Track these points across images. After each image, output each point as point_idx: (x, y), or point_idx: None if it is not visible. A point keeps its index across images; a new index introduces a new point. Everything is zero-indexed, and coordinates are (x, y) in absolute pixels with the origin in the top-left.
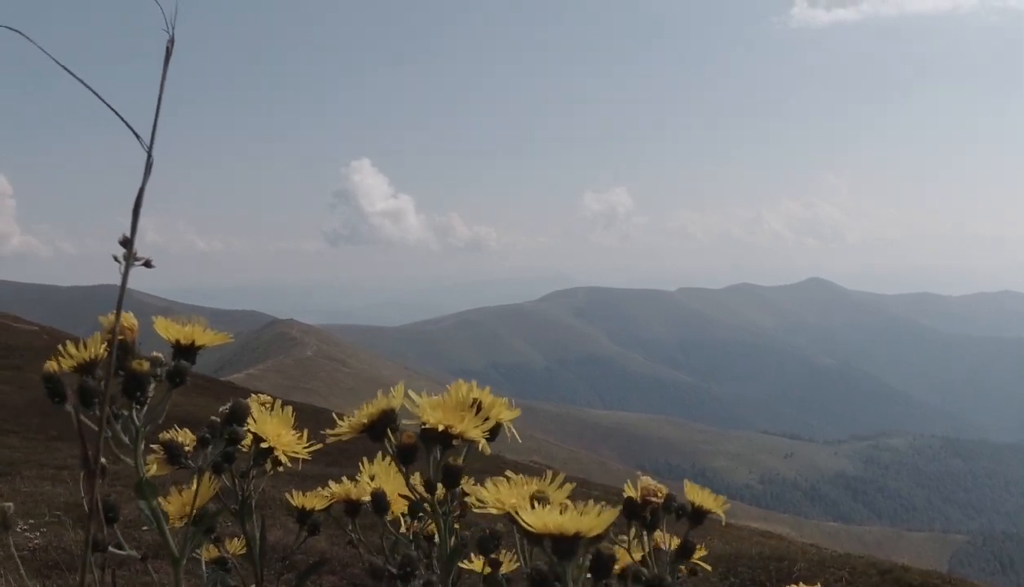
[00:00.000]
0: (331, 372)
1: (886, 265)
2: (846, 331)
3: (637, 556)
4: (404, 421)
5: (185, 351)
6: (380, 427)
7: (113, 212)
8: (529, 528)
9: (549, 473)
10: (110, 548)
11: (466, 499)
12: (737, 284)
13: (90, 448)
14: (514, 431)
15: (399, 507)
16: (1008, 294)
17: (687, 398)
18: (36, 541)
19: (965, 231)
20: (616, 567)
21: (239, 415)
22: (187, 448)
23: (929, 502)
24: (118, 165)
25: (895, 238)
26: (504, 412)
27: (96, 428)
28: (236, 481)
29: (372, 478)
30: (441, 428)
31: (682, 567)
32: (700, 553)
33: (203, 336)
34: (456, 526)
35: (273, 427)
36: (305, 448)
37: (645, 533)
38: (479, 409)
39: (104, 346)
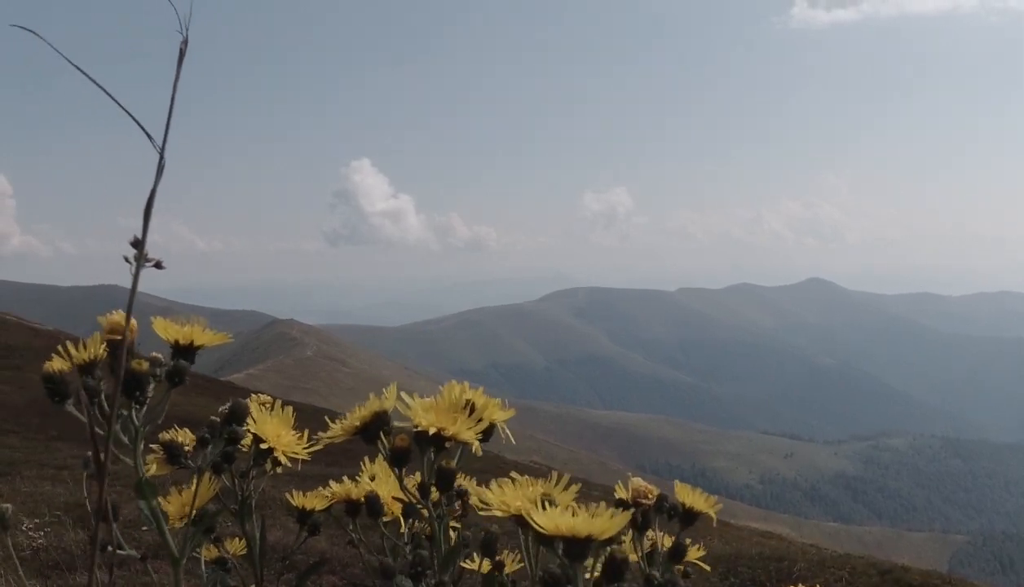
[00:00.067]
0: (331, 372)
1: (886, 265)
2: (846, 331)
3: (632, 558)
4: (398, 423)
5: (184, 351)
6: (373, 429)
7: (113, 212)
8: (541, 530)
9: (555, 474)
10: (109, 548)
11: (470, 501)
12: (737, 284)
13: (99, 447)
14: (508, 432)
15: (397, 508)
16: (1008, 294)
17: (687, 398)
18: (36, 541)
19: (965, 231)
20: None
21: (238, 415)
22: (187, 448)
23: (929, 502)
24: (118, 165)
25: (895, 238)
26: (497, 413)
27: (98, 429)
28: (236, 481)
29: (373, 478)
30: (433, 431)
31: (681, 567)
32: (699, 553)
33: (202, 336)
34: (458, 526)
35: (273, 427)
36: (305, 448)
37: (638, 534)
38: (472, 410)
39: (104, 346)
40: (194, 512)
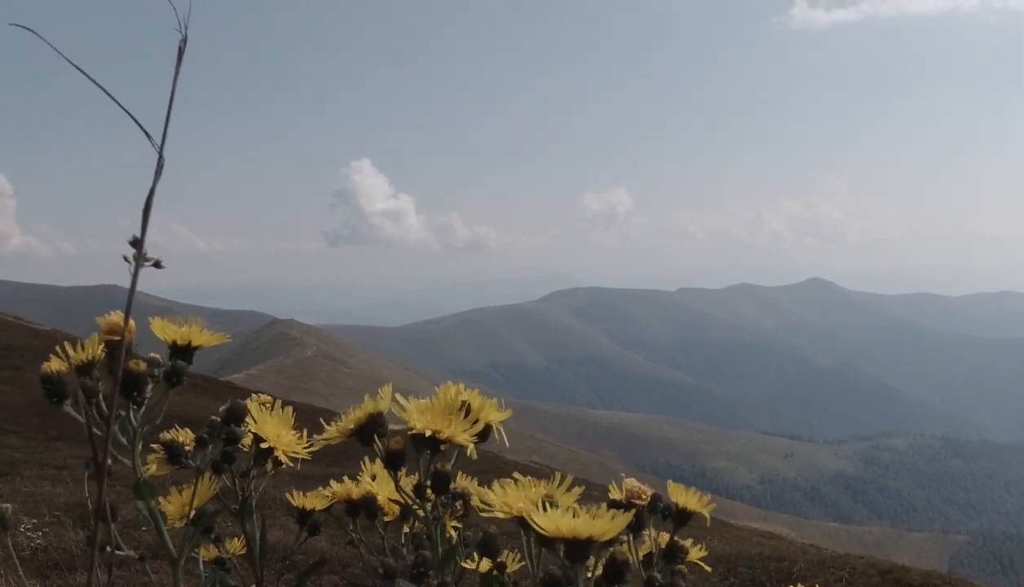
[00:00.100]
0: (331, 372)
1: (886, 265)
2: (846, 331)
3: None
4: (393, 426)
5: (182, 352)
6: (368, 432)
7: (113, 212)
8: (542, 531)
9: (557, 475)
10: (107, 548)
11: (472, 502)
12: (737, 284)
13: (97, 449)
14: (503, 433)
15: (396, 509)
16: (1008, 294)
17: (687, 398)
18: (36, 541)
19: (965, 231)
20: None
21: (237, 415)
22: (188, 448)
23: (929, 502)
24: (118, 165)
25: (895, 238)
26: (493, 414)
27: (97, 430)
28: (236, 481)
29: (374, 478)
30: (429, 433)
31: (684, 567)
32: (700, 554)
33: (200, 337)
34: (459, 526)
35: (273, 427)
36: (305, 448)
37: (631, 535)
38: (468, 412)
39: (102, 347)
40: (193, 512)
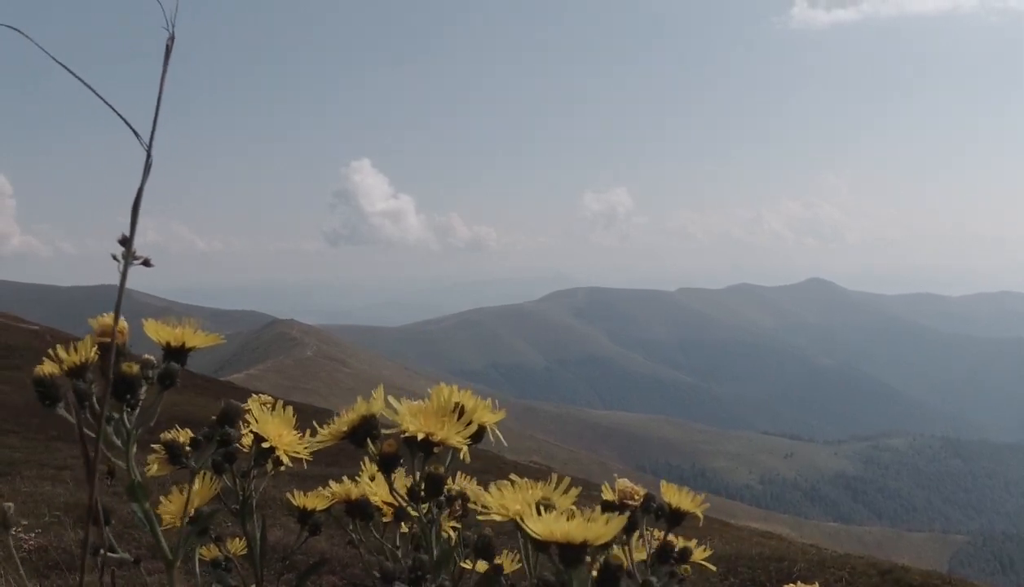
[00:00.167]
0: (331, 372)
1: (886, 265)
2: (846, 331)
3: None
4: (387, 430)
5: (176, 353)
6: (361, 434)
7: (113, 212)
8: (536, 536)
9: (554, 477)
10: (101, 551)
11: (469, 504)
12: (737, 284)
13: (89, 450)
14: (499, 434)
15: (391, 511)
16: (1008, 294)
17: (687, 398)
18: (36, 541)
19: (965, 231)
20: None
21: (231, 417)
22: (187, 448)
23: (929, 502)
24: (118, 165)
25: (895, 238)
26: (487, 415)
27: (89, 432)
28: (237, 481)
29: (373, 478)
30: (421, 436)
31: (687, 567)
32: (703, 554)
33: (194, 338)
34: (458, 526)
35: (274, 427)
36: (306, 448)
37: (625, 536)
38: (462, 413)
39: (95, 349)
40: (191, 513)
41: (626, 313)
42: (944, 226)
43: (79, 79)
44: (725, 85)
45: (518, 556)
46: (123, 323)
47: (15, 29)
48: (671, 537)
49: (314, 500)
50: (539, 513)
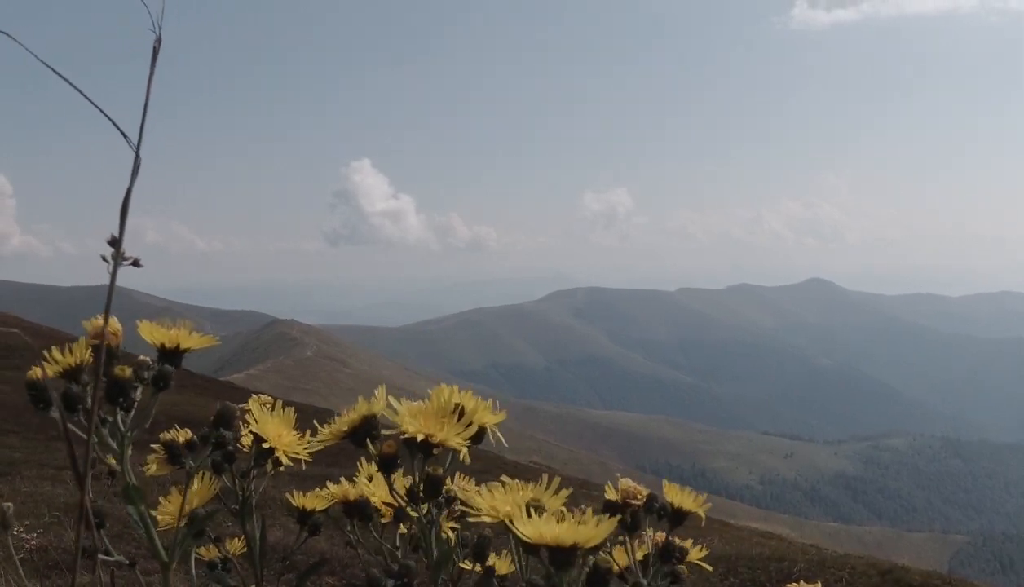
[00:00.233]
0: (331, 372)
1: (886, 265)
2: (846, 331)
3: (622, 560)
4: (386, 431)
5: (170, 355)
6: (361, 434)
7: (113, 212)
8: (525, 539)
9: (544, 478)
10: (96, 554)
11: (458, 507)
12: (737, 284)
13: (78, 452)
14: (499, 435)
15: (391, 512)
16: (1008, 294)
17: (687, 398)
18: (36, 541)
19: (965, 231)
20: (615, 569)
21: (226, 419)
22: (184, 449)
23: (929, 502)
24: (119, 165)
25: (895, 238)
26: (488, 416)
27: (81, 434)
28: (236, 481)
29: (370, 479)
30: (421, 437)
31: (684, 567)
32: (700, 554)
33: (188, 339)
34: (457, 527)
35: (274, 428)
36: (305, 449)
37: (627, 535)
38: (462, 414)
39: (89, 351)
40: (187, 514)
41: (626, 313)
42: (944, 226)
43: (68, 82)
44: (725, 85)
45: (525, 560)
46: (118, 325)
47: (5, 34)
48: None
49: (313, 500)
50: (529, 515)
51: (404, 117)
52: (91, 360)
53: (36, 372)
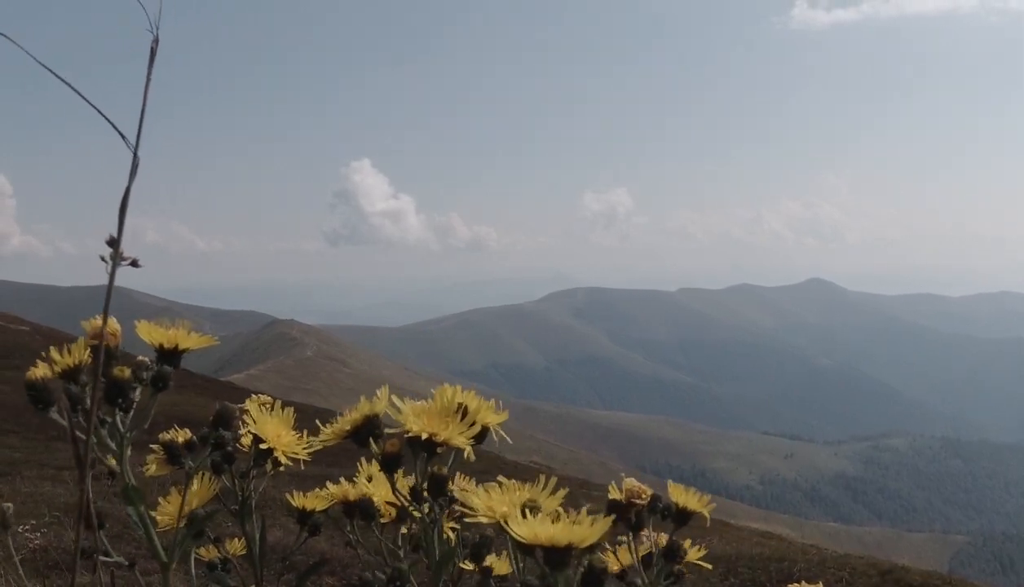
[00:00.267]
0: (331, 372)
1: (886, 265)
2: (846, 331)
3: (625, 559)
4: (389, 430)
5: (169, 355)
6: (364, 434)
7: (113, 212)
8: (520, 539)
9: (541, 478)
10: (95, 555)
11: (455, 507)
12: (737, 284)
13: (81, 452)
14: (502, 434)
15: (393, 511)
16: (1008, 294)
17: (687, 398)
18: (36, 541)
19: (965, 231)
20: (615, 569)
21: (225, 420)
22: (184, 449)
23: (929, 503)
24: (119, 165)
25: (895, 238)
26: (491, 416)
27: (82, 435)
28: (236, 481)
29: (370, 479)
30: (425, 436)
31: (681, 567)
32: (699, 554)
33: (187, 340)
34: (457, 527)
35: (273, 428)
36: (305, 449)
37: (631, 535)
38: (465, 414)
39: (88, 351)
40: (186, 515)
41: (626, 313)
42: (944, 226)
43: (66, 83)
44: (725, 85)
45: (523, 561)
46: (116, 325)
47: (4, 36)
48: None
49: (313, 501)
50: (524, 515)
51: (404, 117)
52: (90, 360)
53: (35, 372)
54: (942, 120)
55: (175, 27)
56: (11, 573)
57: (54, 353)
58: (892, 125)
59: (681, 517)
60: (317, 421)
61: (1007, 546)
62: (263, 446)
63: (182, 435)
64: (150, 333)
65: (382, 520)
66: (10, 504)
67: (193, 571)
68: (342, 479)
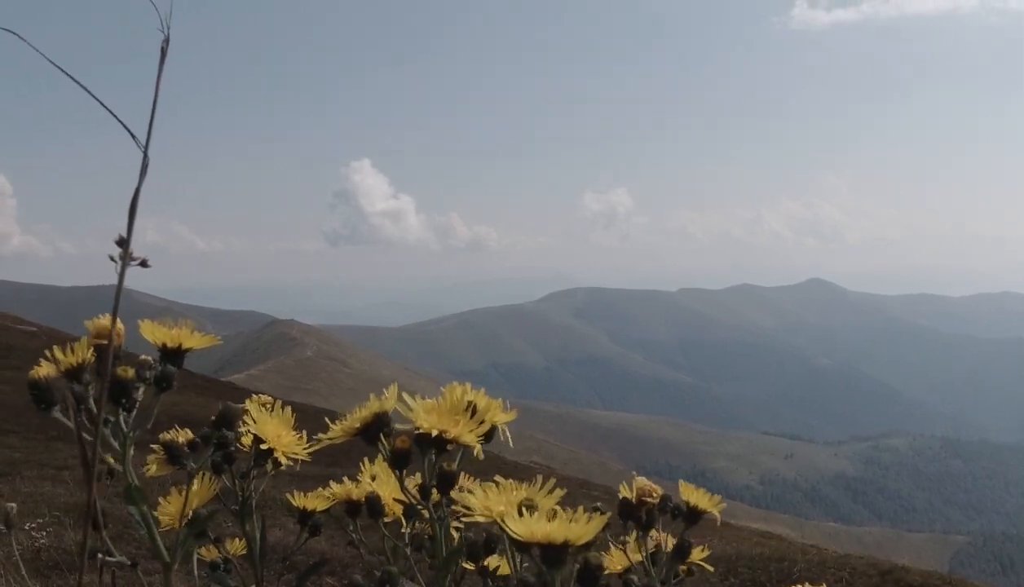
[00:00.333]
0: (332, 373)
1: (886, 265)
2: (846, 331)
3: (636, 558)
4: (398, 425)
5: (172, 355)
6: (373, 431)
7: (113, 212)
8: (517, 537)
9: (539, 478)
10: (99, 555)
11: (453, 506)
12: (737, 284)
13: (87, 452)
14: (508, 434)
15: (398, 509)
16: (1008, 295)
17: (687, 398)
18: (36, 542)
19: (965, 231)
20: (618, 568)
21: (228, 419)
22: (187, 448)
23: (929, 503)
24: (118, 165)
25: (895, 238)
26: (499, 415)
27: (86, 435)
28: (236, 481)
29: (374, 478)
30: (435, 433)
31: (684, 567)
32: (703, 554)
33: (190, 339)
34: (460, 527)
35: (273, 428)
36: (305, 449)
37: (641, 534)
38: (474, 412)
39: (91, 351)
40: (189, 515)
41: (626, 313)
42: (944, 226)
43: (76, 82)
44: (725, 85)
45: (520, 559)
46: (119, 325)
47: (13, 33)
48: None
49: (314, 501)
50: (521, 514)
51: (404, 117)
52: (93, 360)
53: (39, 371)
54: (942, 120)
55: (175, 27)
56: (12, 573)
57: (57, 352)
58: (892, 125)
59: (692, 516)
60: (327, 419)
61: (1007, 546)
62: (263, 446)
63: (183, 435)
64: (153, 332)
65: (386, 519)
66: (13, 504)
67: (196, 571)
68: (345, 478)
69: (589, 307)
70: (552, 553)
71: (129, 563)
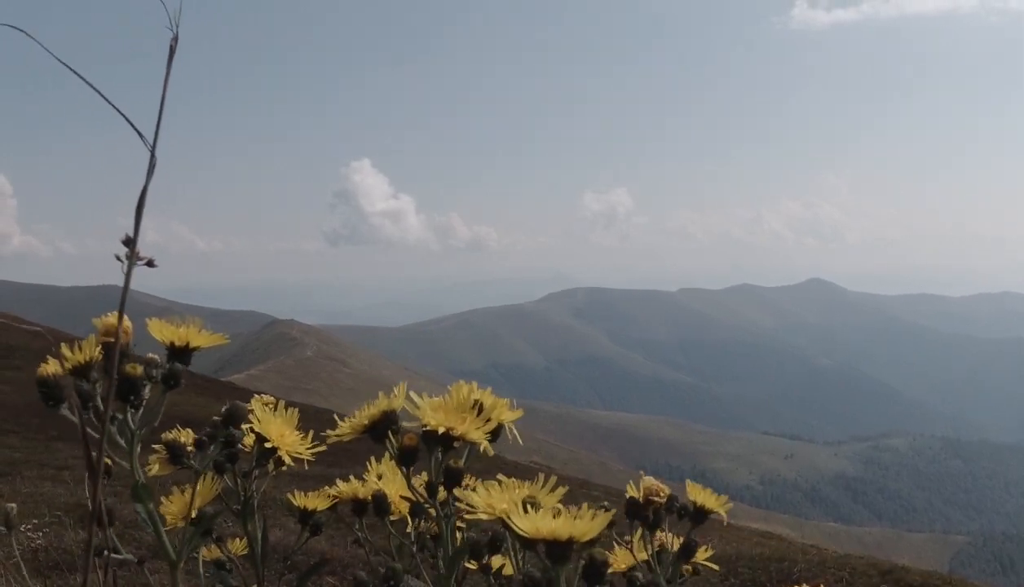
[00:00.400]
0: (332, 373)
1: (886, 265)
2: (846, 331)
3: (642, 557)
4: (404, 423)
5: (179, 353)
6: (381, 428)
7: (114, 212)
8: (522, 533)
9: (541, 476)
10: (105, 552)
11: (456, 504)
12: (737, 284)
13: (92, 450)
14: (515, 432)
15: (404, 507)
16: (1008, 295)
17: (687, 398)
18: (37, 541)
19: (965, 231)
20: (623, 566)
21: (235, 418)
22: (188, 449)
23: (929, 503)
24: (119, 165)
25: (895, 238)
26: (506, 413)
27: (93, 432)
28: (239, 481)
29: (379, 477)
30: (442, 430)
31: (688, 567)
32: (706, 553)
33: (198, 338)
34: (463, 526)
35: (277, 427)
36: (309, 448)
37: (647, 533)
38: (480, 410)
39: (99, 349)
40: (194, 514)
41: (626, 313)
42: (944, 226)
43: (86, 81)
44: (725, 85)
45: (522, 555)
46: (127, 323)
47: (20, 30)
48: (669, 534)
49: (315, 500)
50: (525, 511)
51: (404, 117)
52: (101, 357)
53: (47, 369)
54: (942, 120)
55: (180, 26)
56: (12, 573)
57: (65, 350)
58: (892, 125)
59: (699, 516)
60: (335, 416)
61: (1007, 546)
62: (267, 446)
63: (184, 435)
64: (161, 330)
65: (391, 517)
66: (13, 505)
67: (201, 570)
68: (352, 477)
69: (589, 307)
70: (557, 549)
71: (136, 561)
